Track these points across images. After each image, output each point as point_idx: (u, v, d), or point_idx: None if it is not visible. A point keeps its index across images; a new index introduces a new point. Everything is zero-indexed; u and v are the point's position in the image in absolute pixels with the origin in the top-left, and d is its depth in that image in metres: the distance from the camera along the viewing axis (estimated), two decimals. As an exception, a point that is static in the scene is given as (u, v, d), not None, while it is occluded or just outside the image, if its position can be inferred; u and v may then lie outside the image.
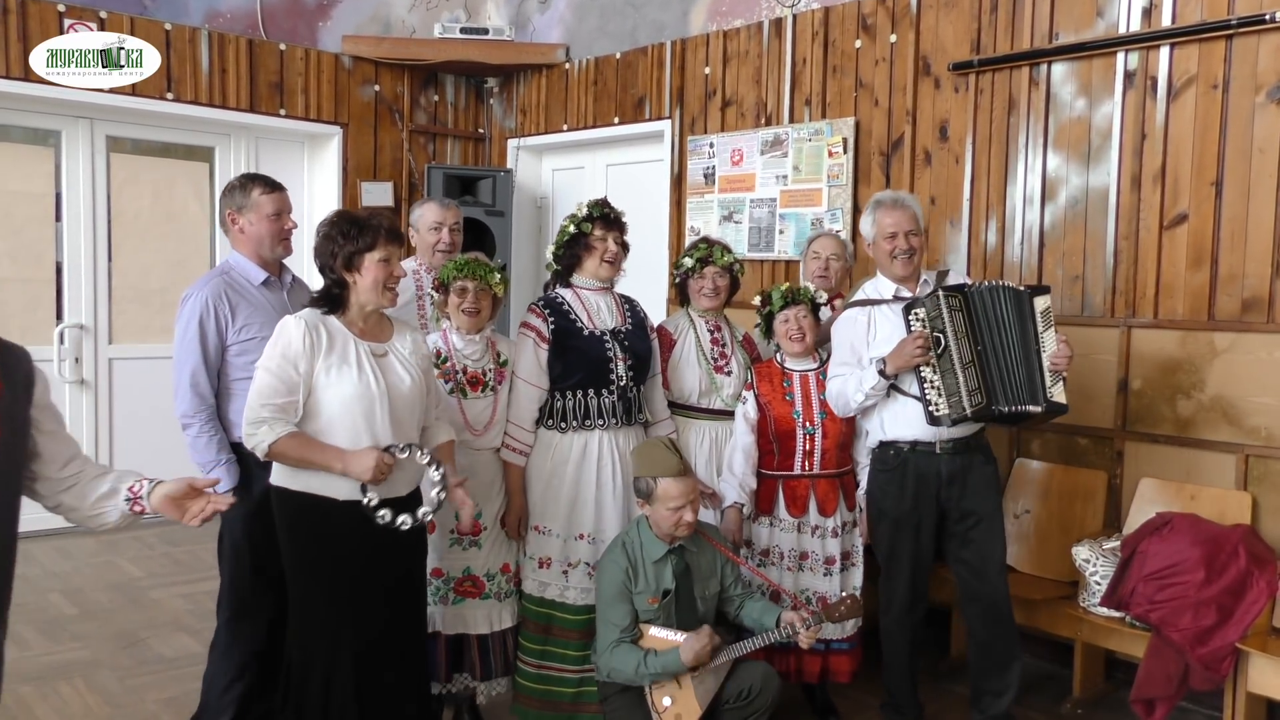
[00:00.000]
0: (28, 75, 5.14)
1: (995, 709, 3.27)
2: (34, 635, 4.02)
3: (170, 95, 5.62)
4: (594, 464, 3.20)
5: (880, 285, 3.31)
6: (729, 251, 3.55)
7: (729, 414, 3.47)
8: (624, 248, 3.32)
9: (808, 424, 3.35)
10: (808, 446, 3.36)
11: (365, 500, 2.52)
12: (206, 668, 3.01)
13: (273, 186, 3.08)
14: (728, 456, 3.42)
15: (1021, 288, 3.14)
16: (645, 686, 2.96)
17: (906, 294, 3.23)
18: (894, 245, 3.21)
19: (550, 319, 3.21)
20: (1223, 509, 3.53)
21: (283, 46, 6.04)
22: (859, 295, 3.36)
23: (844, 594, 3.15)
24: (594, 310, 3.27)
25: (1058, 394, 3.08)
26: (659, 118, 5.72)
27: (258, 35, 5.99)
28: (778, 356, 3.48)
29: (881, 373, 3.12)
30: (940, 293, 3.08)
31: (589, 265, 3.27)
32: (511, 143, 6.71)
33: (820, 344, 3.52)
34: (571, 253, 3.29)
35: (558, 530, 3.21)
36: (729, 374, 3.51)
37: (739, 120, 5.30)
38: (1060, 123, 4.07)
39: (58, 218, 5.62)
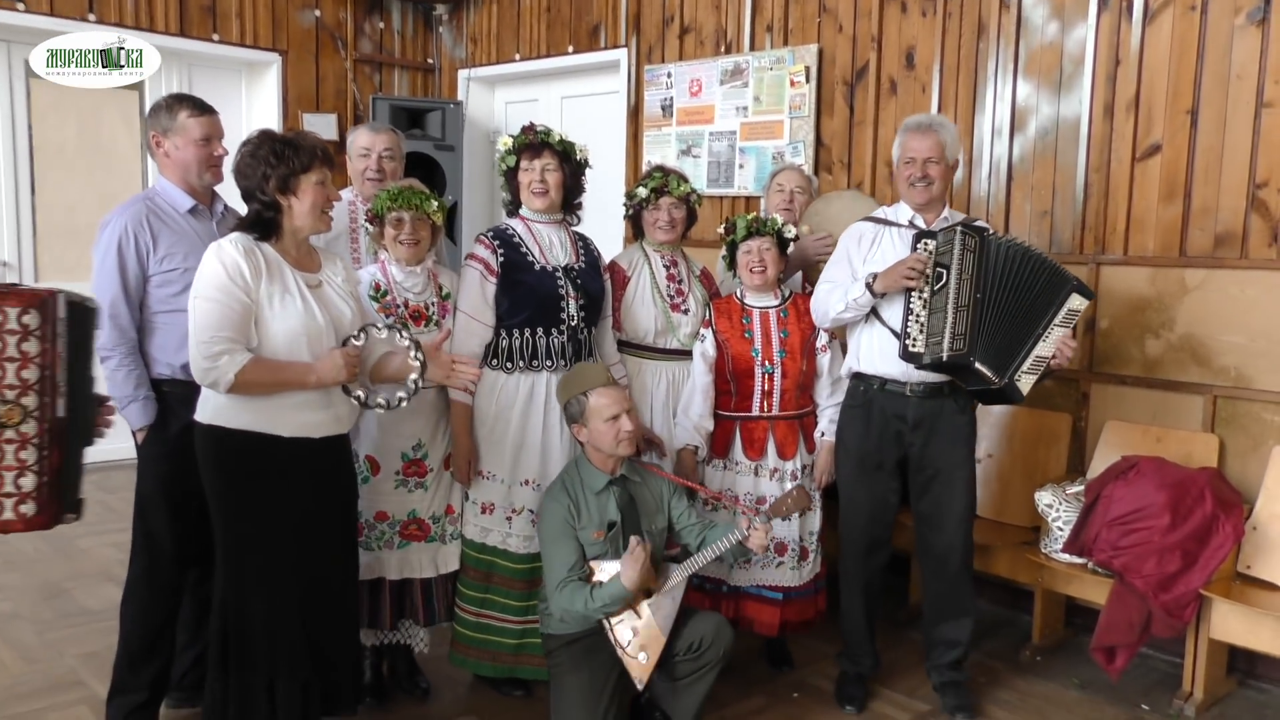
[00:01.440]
0: (-64, -7, 4.78)
1: (946, 659, 3.17)
2: (-51, 587, 3.80)
3: (93, 17, 5.26)
4: (541, 407, 3.03)
5: (899, 210, 3.12)
6: (685, 181, 3.36)
7: (686, 354, 3.30)
8: (566, 173, 3.11)
9: (766, 363, 3.20)
10: (766, 387, 3.21)
11: (354, 398, 2.46)
12: (120, 625, 2.82)
13: (202, 109, 2.84)
14: (684, 398, 3.27)
15: (1071, 276, 2.91)
16: (606, 625, 2.81)
17: (922, 224, 3.05)
18: (910, 172, 3.01)
19: (500, 250, 3.02)
20: (1189, 452, 3.43)
21: (215, -34, 5.68)
22: (876, 214, 3.19)
23: (791, 487, 2.99)
24: (546, 244, 3.08)
25: (1024, 383, 2.88)
26: (614, 46, 5.46)
27: (188, -46, 5.63)
28: (738, 292, 3.32)
29: (869, 287, 2.96)
30: (959, 228, 2.90)
31: (524, 198, 3.10)
32: (462, 74, 6.41)
33: (784, 280, 3.36)
34: (511, 187, 3.13)
35: (502, 475, 3.05)
36: (686, 312, 3.33)
37: (698, 49, 5.06)
38: (1031, 49, 3.88)
39: (-23, 149, 5.28)
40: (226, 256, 2.35)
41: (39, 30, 5.16)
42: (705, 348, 3.23)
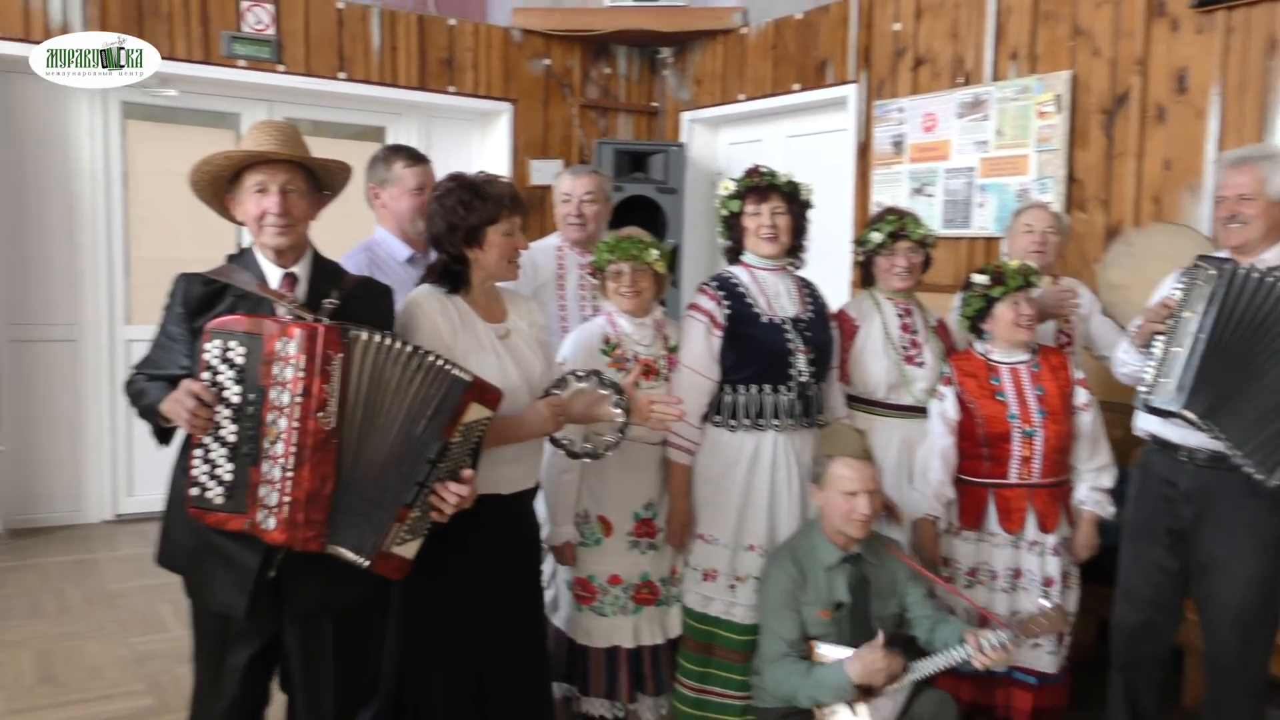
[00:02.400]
0: (208, 58, 5.19)
1: None
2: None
3: (342, 75, 5.58)
4: (767, 467, 2.84)
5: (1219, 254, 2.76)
6: (921, 224, 3.10)
7: (921, 411, 3.03)
8: (794, 215, 2.92)
9: (1025, 425, 2.87)
10: (1025, 452, 2.88)
11: (561, 447, 2.43)
12: None
13: (415, 159, 2.90)
14: (920, 461, 2.99)
15: None
16: (812, 712, 2.59)
17: None
18: (1220, 212, 2.64)
19: (725, 302, 2.86)
20: None
21: (452, 22, 5.91)
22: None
23: (1048, 606, 2.62)
24: (772, 294, 2.90)
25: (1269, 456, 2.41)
26: (843, 82, 5.24)
27: (428, 11, 5.88)
28: (978, 347, 3.01)
29: (1131, 336, 2.68)
30: (1197, 260, 2.53)
31: (749, 244, 2.92)
32: (685, 115, 6.37)
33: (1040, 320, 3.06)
34: (732, 234, 2.97)
35: (725, 540, 2.87)
36: (921, 365, 3.06)
37: (933, 81, 4.76)
38: (1337, 66, 3.37)
39: (238, 200, 5.70)
40: (425, 304, 2.32)
41: (297, 90, 5.54)
42: (945, 408, 2.94)
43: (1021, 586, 2.90)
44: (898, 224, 3.07)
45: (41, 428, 5.15)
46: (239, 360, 1.95)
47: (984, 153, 4.49)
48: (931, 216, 4.69)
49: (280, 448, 1.94)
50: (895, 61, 4.95)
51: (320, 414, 1.94)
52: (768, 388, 2.83)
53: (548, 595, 2.84)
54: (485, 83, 6.05)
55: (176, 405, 1.93)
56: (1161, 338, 2.53)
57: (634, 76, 6.56)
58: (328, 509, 1.96)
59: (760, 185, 2.90)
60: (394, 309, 2.29)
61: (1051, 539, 2.88)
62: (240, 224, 2.19)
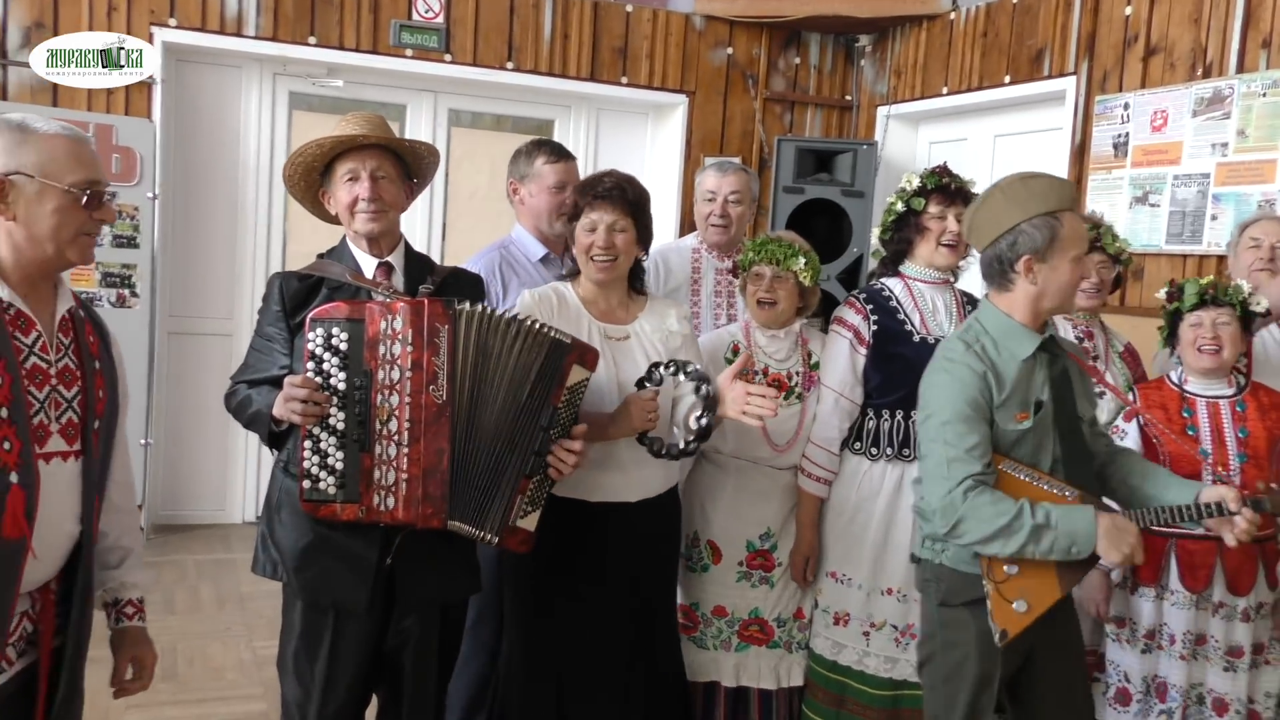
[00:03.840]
0: (376, 48, 5.66)
1: None
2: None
3: (510, 65, 5.94)
4: (910, 503, 2.87)
5: None
6: (1117, 236, 3.07)
7: (1099, 447, 2.98)
8: None
9: (1220, 469, 2.79)
10: (1219, 499, 2.80)
11: (644, 444, 2.50)
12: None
13: (560, 155, 3.11)
14: (1099, 505, 2.94)
15: None
16: (986, 578, 2.26)
17: None
18: None
19: (873, 316, 2.92)
20: None
21: (629, 8, 6.18)
22: None
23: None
24: (928, 310, 2.94)
25: None
26: (1060, 74, 5.14)
27: (604, -3, 6.19)
28: (1173, 375, 2.94)
29: None
30: None
31: (922, 251, 2.95)
32: (881, 111, 6.39)
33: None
34: (901, 235, 2.98)
35: (859, 580, 2.93)
36: (1100, 395, 3.00)
37: (1166, 73, 4.61)
38: None
39: (398, 195, 6.16)
40: (525, 302, 2.56)
41: (463, 80, 5.95)
42: (1127, 442, 2.88)
43: (1203, 654, 2.80)
44: (1091, 234, 3.03)
45: (193, 424, 5.71)
46: (343, 346, 2.20)
47: (1222, 157, 4.32)
48: (1156, 230, 4.55)
49: (394, 424, 2.19)
50: (1123, 50, 4.82)
51: (431, 387, 2.18)
52: (915, 415, 2.86)
53: None
54: (661, 73, 6.29)
55: (289, 403, 2.17)
56: None
57: (826, 67, 6.64)
58: (446, 484, 2.20)
59: (949, 187, 2.93)
60: (486, 298, 2.53)
61: (1243, 602, 2.78)
62: (335, 221, 2.45)
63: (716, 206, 3.45)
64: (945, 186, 2.91)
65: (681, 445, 2.49)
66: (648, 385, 2.48)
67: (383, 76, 5.88)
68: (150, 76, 5.14)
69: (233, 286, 5.79)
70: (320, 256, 2.45)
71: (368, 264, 2.39)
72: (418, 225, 6.14)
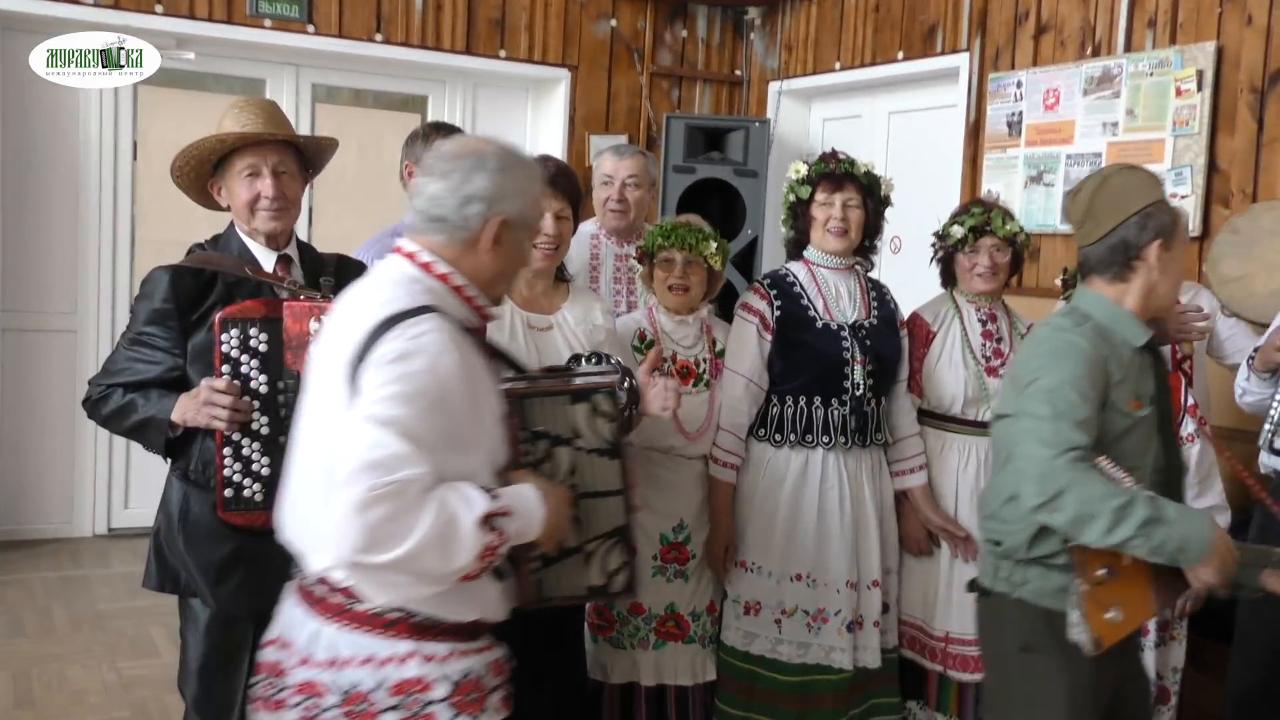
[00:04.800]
0: (231, 18, 5.62)
1: None
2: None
3: (380, 37, 5.96)
4: (815, 488, 3.08)
5: None
6: (1011, 218, 3.29)
7: (1003, 431, 3.22)
8: (871, 211, 3.14)
9: (1113, 452, 3.04)
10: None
11: None
12: None
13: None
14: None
15: None
16: (1079, 576, 2.11)
17: None
18: None
19: (777, 302, 3.11)
20: None
21: (506, -24, 6.27)
22: None
23: None
24: (832, 296, 3.14)
25: None
26: (953, 50, 5.44)
27: (479, -36, 6.24)
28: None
29: (1250, 363, 2.80)
30: None
31: (815, 237, 3.16)
32: (773, 86, 6.62)
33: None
34: (797, 228, 3.19)
35: (769, 568, 3.10)
36: (1004, 377, 3.25)
37: (1057, 51, 4.92)
38: None
39: (259, 176, 6.12)
40: None
41: (328, 54, 5.95)
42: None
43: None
44: (982, 217, 3.26)
45: (35, 430, 5.61)
46: (262, 348, 2.25)
47: (1113, 136, 4.64)
48: (1050, 210, 4.85)
49: None
50: (1015, 27, 5.13)
51: None
52: (818, 400, 3.05)
53: None
54: (541, 46, 6.39)
55: (210, 408, 2.20)
56: None
57: (715, 41, 6.83)
58: None
59: (835, 172, 3.13)
60: None
61: (1143, 581, 3.03)
62: (218, 208, 2.51)
63: (614, 191, 3.58)
64: (831, 172, 3.11)
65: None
66: None
67: (239, 49, 5.84)
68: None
69: (76, 279, 5.69)
70: (199, 247, 2.48)
71: (265, 257, 2.45)
72: (281, 210, 6.12)
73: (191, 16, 5.53)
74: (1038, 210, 4.93)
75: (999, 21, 5.21)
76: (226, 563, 2.34)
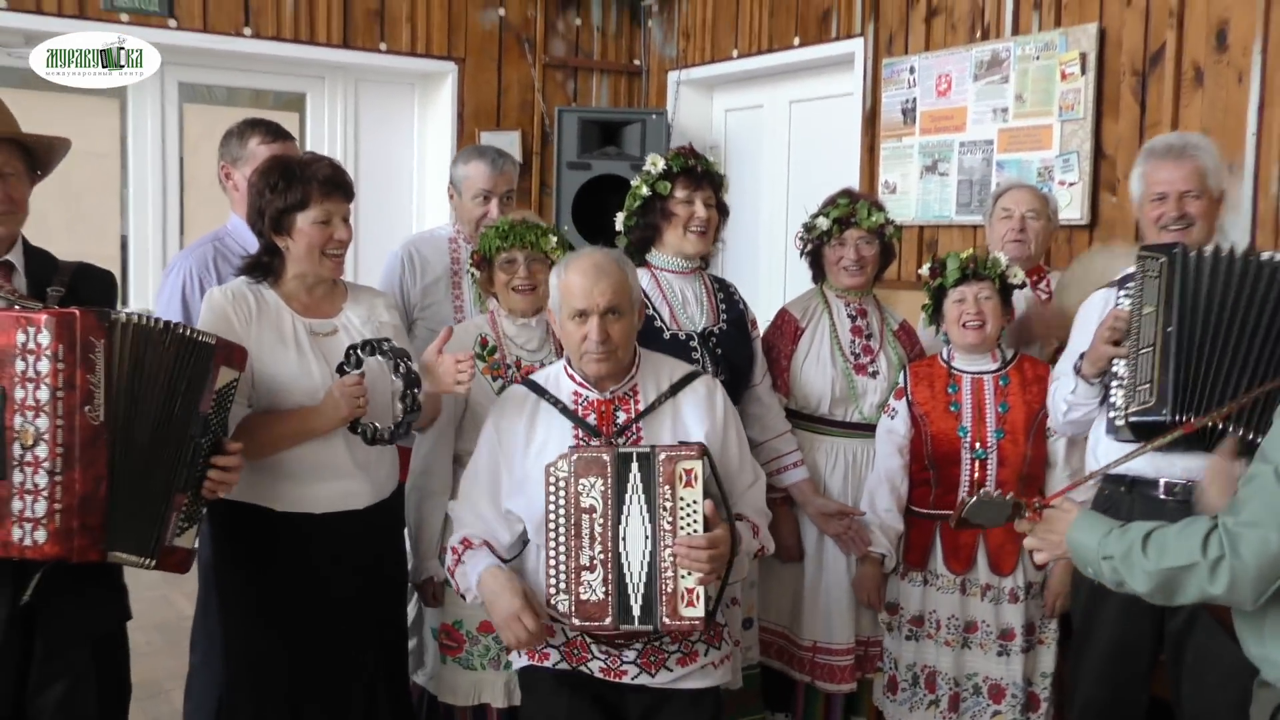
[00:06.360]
0: (83, 12, 5.60)
1: None
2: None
3: (249, 30, 5.96)
4: None
5: None
6: (879, 208, 3.39)
7: (872, 429, 3.32)
8: (721, 211, 3.22)
9: (978, 445, 3.16)
10: (976, 476, 3.16)
11: (360, 433, 2.64)
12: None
13: (274, 134, 3.22)
14: (868, 489, 3.27)
15: None
16: None
17: None
18: (1161, 211, 2.91)
19: None
20: None
21: (385, -35, 6.30)
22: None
23: None
24: (677, 303, 3.20)
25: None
26: (848, 35, 5.54)
27: (354, -48, 6.26)
28: (944, 352, 3.30)
29: (1078, 371, 2.89)
30: (1140, 254, 2.79)
31: (670, 238, 3.21)
32: (672, 76, 6.70)
33: (1024, 342, 3.32)
34: (646, 221, 3.22)
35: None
36: (874, 375, 3.36)
37: (948, 35, 5.05)
38: (1391, 18, 3.61)
39: (123, 184, 6.11)
40: (214, 300, 2.68)
41: (192, 50, 5.93)
42: (895, 425, 3.23)
43: (975, 642, 3.17)
44: (847, 209, 3.35)
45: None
46: None
47: (1003, 122, 4.77)
48: (945, 200, 4.98)
49: (44, 450, 2.22)
50: (907, 10, 5.24)
51: (87, 408, 2.24)
52: None
53: (410, 645, 3.14)
54: (425, 38, 6.41)
55: None
56: (1122, 361, 2.75)
57: (611, 29, 6.90)
58: (104, 512, 2.27)
59: (696, 170, 3.19)
60: (116, 298, 2.62)
61: (1008, 582, 3.15)
62: None
63: (492, 209, 3.60)
64: (692, 169, 3.17)
65: (393, 427, 2.66)
66: (347, 369, 2.62)
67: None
68: None
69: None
70: None
71: None
72: (150, 217, 6.11)
73: (38, 11, 5.49)
74: (934, 201, 5.06)
75: (892, 4, 5.32)
76: None
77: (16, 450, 2.22)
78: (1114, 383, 2.77)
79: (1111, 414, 2.76)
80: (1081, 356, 2.88)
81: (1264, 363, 2.64)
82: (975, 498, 2.36)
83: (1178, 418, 2.63)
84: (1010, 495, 2.34)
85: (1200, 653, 2.86)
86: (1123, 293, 2.82)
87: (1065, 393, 2.94)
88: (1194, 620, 2.84)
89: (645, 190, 3.20)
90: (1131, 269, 2.84)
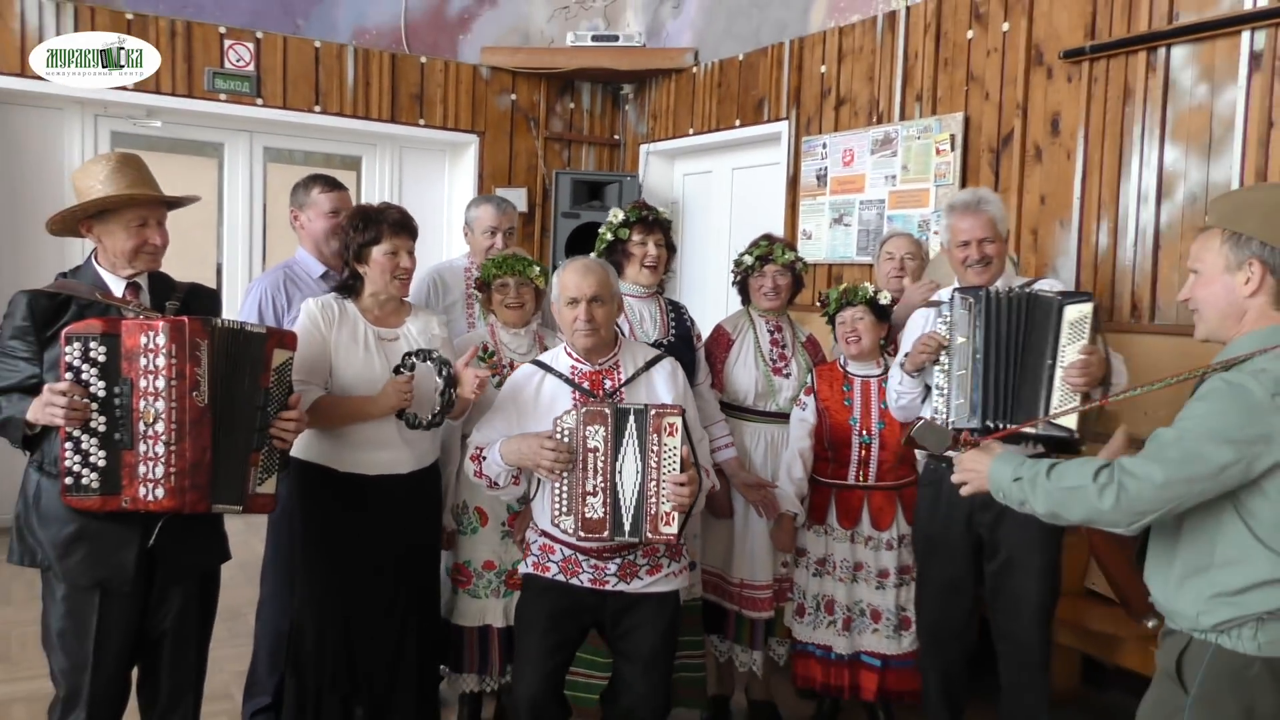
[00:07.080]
0: (192, 92, 5.61)
1: None
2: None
3: (318, 108, 5.98)
4: None
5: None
6: (791, 249, 3.42)
7: (785, 417, 3.35)
8: (669, 249, 3.27)
9: (864, 432, 3.19)
10: (862, 455, 3.20)
11: (405, 419, 2.67)
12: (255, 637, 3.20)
13: (332, 185, 3.24)
14: (785, 462, 3.30)
15: (1053, 294, 2.74)
16: None
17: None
18: (966, 254, 2.93)
19: None
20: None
21: (423, 59, 6.32)
22: (938, 296, 3.15)
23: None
24: (636, 320, 3.22)
25: (1065, 419, 2.60)
26: (777, 119, 5.59)
27: (401, 50, 6.28)
28: (841, 360, 3.33)
29: (902, 366, 2.94)
30: (955, 294, 2.83)
31: (630, 271, 3.24)
32: (643, 148, 6.73)
33: (887, 348, 3.35)
34: (612, 259, 3.25)
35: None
36: (787, 376, 3.38)
37: (852, 119, 5.10)
38: (1179, 112, 3.67)
39: (219, 224, 6.11)
40: (308, 308, 2.75)
41: (275, 121, 5.95)
42: (805, 415, 3.26)
43: (861, 578, 3.20)
44: (766, 249, 3.38)
45: None
46: (100, 358, 2.24)
47: (892, 186, 4.82)
48: (848, 244, 5.02)
49: (161, 426, 2.25)
50: (821, 100, 5.29)
51: (195, 393, 2.28)
52: None
53: None
54: (454, 116, 6.44)
55: (50, 408, 2.20)
56: (940, 370, 2.80)
57: (597, 111, 6.94)
58: (209, 474, 2.31)
59: (648, 219, 3.25)
60: (220, 310, 2.63)
61: (886, 534, 3.18)
62: (78, 235, 2.47)
63: (499, 241, 3.63)
64: (645, 219, 3.23)
65: (430, 417, 2.70)
66: (402, 371, 2.67)
67: (199, 118, 5.81)
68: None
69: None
70: (62, 276, 2.46)
71: (115, 284, 2.43)
72: (240, 250, 6.11)
73: (157, 91, 5.50)
74: (840, 245, 5.10)
75: (810, 95, 5.38)
76: (70, 540, 2.32)
77: (141, 427, 2.25)
78: (936, 393, 2.80)
79: (935, 416, 2.78)
80: (906, 356, 2.93)
81: (1042, 369, 2.69)
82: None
83: (987, 424, 2.69)
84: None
85: (1009, 589, 2.92)
86: (940, 319, 2.85)
87: (895, 383, 3.00)
88: (1008, 564, 2.91)
89: (610, 235, 3.25)
90: (947, 294, 2.90)
